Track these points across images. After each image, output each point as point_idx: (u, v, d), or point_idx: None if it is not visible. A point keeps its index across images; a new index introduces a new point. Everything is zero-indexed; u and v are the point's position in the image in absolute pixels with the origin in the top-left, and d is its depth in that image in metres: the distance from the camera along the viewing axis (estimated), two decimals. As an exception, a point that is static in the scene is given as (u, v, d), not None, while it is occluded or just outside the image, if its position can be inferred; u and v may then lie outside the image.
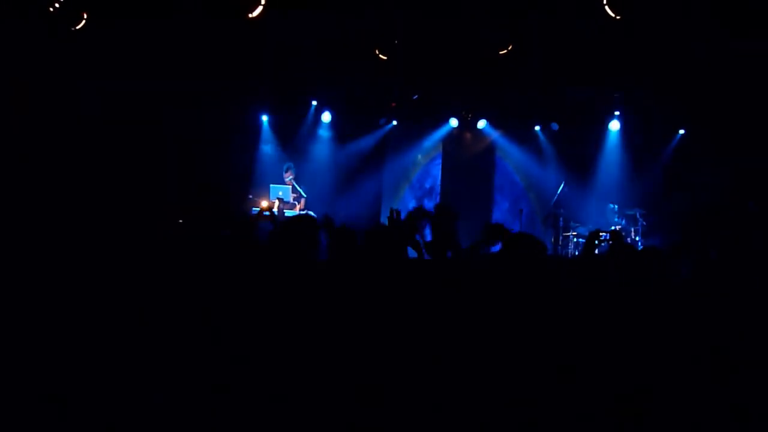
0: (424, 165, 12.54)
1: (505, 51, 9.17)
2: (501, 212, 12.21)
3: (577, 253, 10.24)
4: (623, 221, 10.35)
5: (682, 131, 11.19)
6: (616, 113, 11.47)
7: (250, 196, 10.65)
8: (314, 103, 11.79)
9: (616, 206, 10.52)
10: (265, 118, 11.76)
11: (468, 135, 12.27)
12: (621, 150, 11.57)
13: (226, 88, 10.23)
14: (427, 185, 12.53)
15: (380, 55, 9.52)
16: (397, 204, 12.16)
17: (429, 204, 12.32)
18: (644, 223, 10.28)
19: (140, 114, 9.52)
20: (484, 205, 12.05)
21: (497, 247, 3.85)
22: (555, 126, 11.76)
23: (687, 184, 10.33)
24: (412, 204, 12.28)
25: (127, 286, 2.62)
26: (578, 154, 11.71)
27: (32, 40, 8.25)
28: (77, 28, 8.20)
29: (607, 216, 10.41)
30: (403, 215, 3.85)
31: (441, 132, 12.21)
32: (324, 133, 12.02)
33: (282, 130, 11.88)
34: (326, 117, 11.91)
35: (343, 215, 10.36)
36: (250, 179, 11.43)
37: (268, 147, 11.86)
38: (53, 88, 8.66)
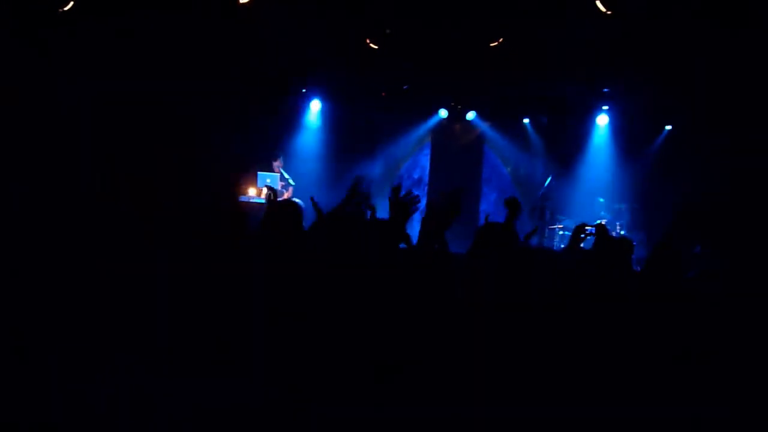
0: (413, 155, 12.55)
1: (496, 43, 9.18)
2: (488, 204, 12.26)
3: (562, 246, 10.32)
4: (609, 215, 10.43)
5: (668, 127, 11.27)
6: (605, 108, 11.55)
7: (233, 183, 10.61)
8: (303, 90, 11.75)
9: (603, 200, 10.60)
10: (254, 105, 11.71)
11: (457, 126, 12.30)
12: (608, 144, 11.66)
13: (215, 75, 10.16)
14: (416, 175, 12.55)
15: (371, 45, 9.49)
16: (385, 194, 12.16)
17: (418, 193, 12.34)
18: (630, 217, 10.37)
19: (132, 103, 9.43)
20: (471, 197, 12.09)
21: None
22: (544, 119, 11.82)
23: (673, 179, 10.40)
24: (400, 194, 12.28)
25: (121, 280, 2.61)
26: (566, 148, 11.78)
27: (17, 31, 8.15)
28: (65, 9, 8.09)
29: (594, 209, 10.49)
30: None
31: (430, 122, 12.23)
32: (313, 121, 11.99)
33: (271, 118, 11.83)
34: (315, 105, 11.88)
35: (330, 204, 10.33)
36: (237, 166, 11.38)
37: (256, 134, 11.80)
38: (43, 84, 8.55)
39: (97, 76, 8.95)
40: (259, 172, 10.51)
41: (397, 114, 12.16)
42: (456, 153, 12.31)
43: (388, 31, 9.38)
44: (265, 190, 10.09)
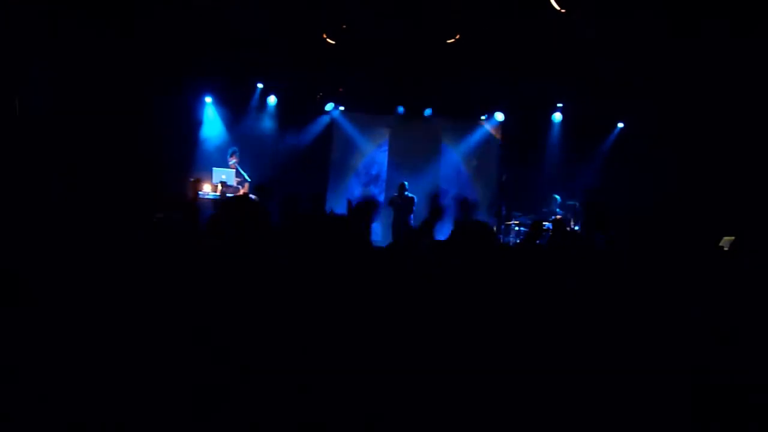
0: (370, 152, 12.53)
1: (453, 40, 9.22)
2: (446, 200, 12.29)
3: (518, 241, 10.44)
4: (563, 211, 10.60)
5: (621, 125, 11.52)
6: (560, 105, 11.72)
7: (192, 179, 10.42)
8: (260, 85, 11.59)
9: (558, 197, 10.76)
10: (209, 99, 11.50)
11: (415, 123, 12.31)
12: (563, 142, 11.84)
13: (170, 67, 9.95)
14: (373, 172, 12.52)
15: (328, 40, 9.43)
16: (342, 190, 12.15)
17: (375, 190, 12.34)
18: (583, 213, 10.53)
19: (83, 95, 9.16)
20: (429, 194, 12.12)
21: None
22: (500, 115, 11.93)
23: (624, 177, 10.62)
24: (357, 191, 12.26)
25: (64, 277, 2.52)
26: (522, 145, 11.92)
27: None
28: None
29: (550, 206, 10.64)
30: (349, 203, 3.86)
31: (388, 119, 12.23)
32: (269, 116, 11.85)
33: (226, 112, 11.65)
34: (272, 100, 11.74)
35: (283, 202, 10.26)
36: (192, 161, 11.18)
37: (211, 129, 11.60)
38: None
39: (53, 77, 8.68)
40: (214, 168, 10.33)
41: (354, 109, 12.12)
42: (414, 149, 12.33)
43: (344, 26, 9.33)
44: (220, 187, 9.93)
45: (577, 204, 10.57)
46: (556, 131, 11.93)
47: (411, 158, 12.24)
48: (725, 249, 6.95)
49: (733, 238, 7.09)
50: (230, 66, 10.62)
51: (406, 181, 10.96)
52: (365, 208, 3.55)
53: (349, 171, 12.43)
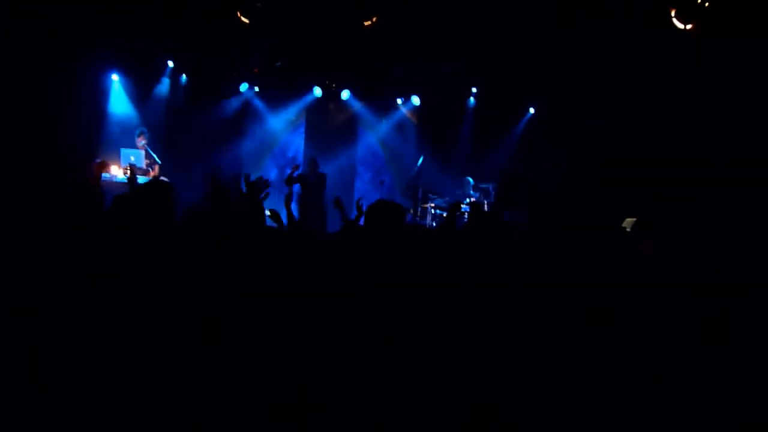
0: (287, 134, 12.35)
1: (370, 23, 9.19)
2: (363, 183, 12.36)
3: (434, 224, 10.63)
4: (477, 194, 10.87)
5: (532, 110, 11.88)
6: (474, 90, 11.96)
7: (98, 161, 9.91)
8: (171, 63, 11.14)
9: (471, 179, 11.01)
10: (115, 77, 10.93)
11: (331, 105, 12.23)
12: (477, 126, 12.10)
13: (72, 42, 9.36)
14: (290, 154, 12.37)
15: (242, 18, 9.18)
16: (258, 172, 11.94)
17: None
18: (495, 196, 10.85)
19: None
20: (346, 176, 12.12)
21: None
22: (416, 99, 12.04)
23: (532, 161, 10.98)
24: (273, 173, 12.08)
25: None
26: (438, 128, 12.09)
27: None
28: None
29: (464, 189, 10.87)
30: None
31: (304, 101, 12.07)
32: (181, 96, 11.41)
33: (135, 91, 11.11)
34: (184, 79, 11.31)
35: (200, 184, 10.00)
36: (98, 143, 10.61)
37: (118, 108, 11.05)
38: None
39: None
40: (122, 149, 9.86)
41: (270, 91, 11.89)
42: (330, 132, 12.25)
43: (258, 4, 9.11)
44: (129, 168, 9.51)
45: (491, 187, 10.86)
46: (470, 115, 12.17)
47: (328, 141, 12.15)
48: (627, 230, 7.35)
49: (634, 219, 7.51)
50: (139, 42, 10.12)
51: (320, 162, 10.83)
52: (256, 188, 3.60)
53: (265, 153, 12.21)
